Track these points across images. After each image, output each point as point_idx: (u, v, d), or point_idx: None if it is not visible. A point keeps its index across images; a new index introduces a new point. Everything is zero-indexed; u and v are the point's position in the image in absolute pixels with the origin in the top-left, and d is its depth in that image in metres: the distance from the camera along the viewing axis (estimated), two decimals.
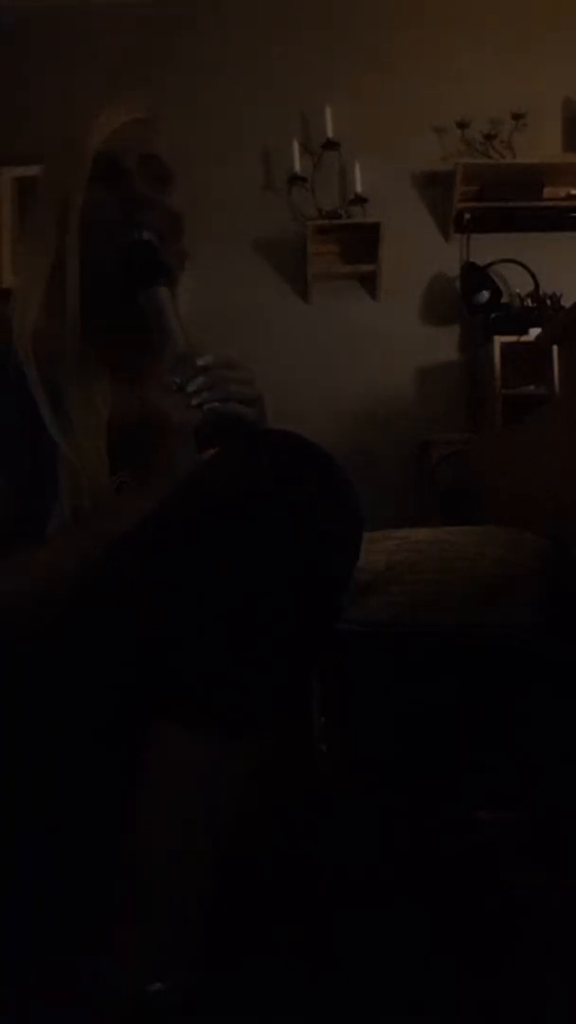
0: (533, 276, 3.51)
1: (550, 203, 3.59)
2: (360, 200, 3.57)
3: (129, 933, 0.81)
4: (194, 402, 0.83)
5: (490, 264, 3.54)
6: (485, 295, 3.50)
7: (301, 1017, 0.80)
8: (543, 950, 0.88)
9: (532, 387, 3.23)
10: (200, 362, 0.84)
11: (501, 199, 3.58)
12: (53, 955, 0.80)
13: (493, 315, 3.46)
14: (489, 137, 3.62)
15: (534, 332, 3.13)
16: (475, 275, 3.53)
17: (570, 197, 3.60)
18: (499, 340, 3.34)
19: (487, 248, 3.58)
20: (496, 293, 3.52)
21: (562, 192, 3.60)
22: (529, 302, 3.50)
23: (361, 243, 3.62)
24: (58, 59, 3.57)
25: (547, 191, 3.58)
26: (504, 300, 3.54)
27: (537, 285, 3.50)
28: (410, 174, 3.71)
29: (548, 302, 3.46)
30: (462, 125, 3.61)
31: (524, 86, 3.59)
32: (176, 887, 0.82)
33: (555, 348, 2.95)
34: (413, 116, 3.63)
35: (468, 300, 3.54)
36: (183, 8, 3.72)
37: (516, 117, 3.58)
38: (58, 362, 0.89)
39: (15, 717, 0.79)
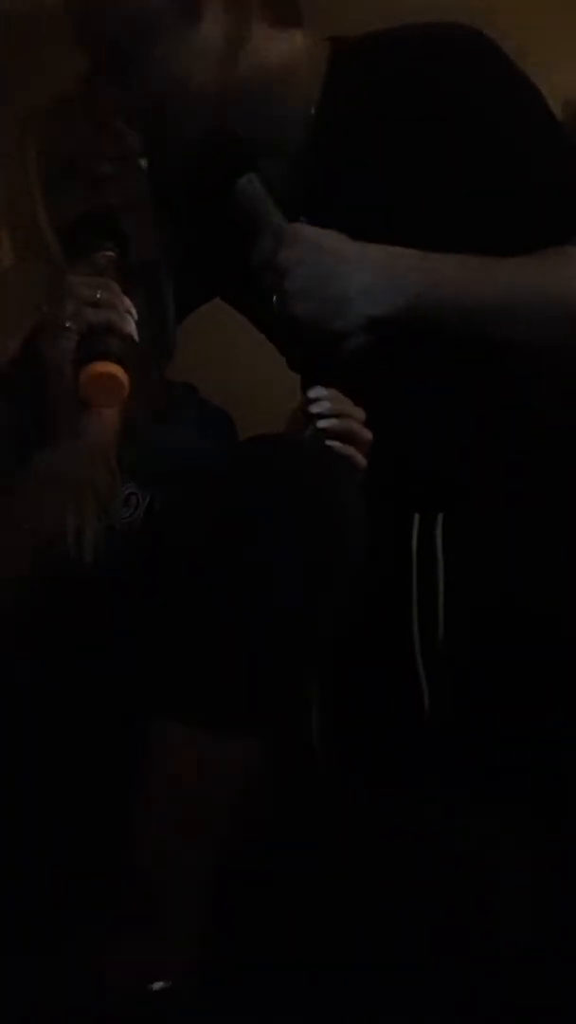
0: None
1: None
2: None
3: (129, 933, 0.81)
4: None
5: None
6: None
7: (301, 1017, 0.80)
8: (543, 950, 0.88)
9: None
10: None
11: None
12: (54, 955, 0.80)
13: None
14: None
15: None
16: None
17: None
18: None
19: None
20: None
21: None
22: None
23: None
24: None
25: None
26: None
27: None
28: None
29: None
30: None
31: None
32: (177, 887, 0.82)
33: None
34: None
35: None
36: None
37: None
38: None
39: (14, 717, 0.79)
